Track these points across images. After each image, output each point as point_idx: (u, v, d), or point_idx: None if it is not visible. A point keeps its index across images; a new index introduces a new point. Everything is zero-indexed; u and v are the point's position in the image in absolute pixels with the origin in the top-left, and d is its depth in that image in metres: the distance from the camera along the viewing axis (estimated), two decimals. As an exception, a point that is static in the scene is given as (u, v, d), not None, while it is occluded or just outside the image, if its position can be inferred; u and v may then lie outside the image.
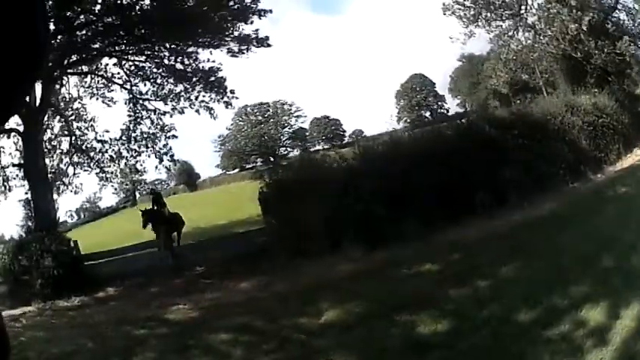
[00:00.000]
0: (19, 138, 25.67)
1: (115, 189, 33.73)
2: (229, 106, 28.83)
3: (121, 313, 16.95)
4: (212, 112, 28.70)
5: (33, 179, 24.86)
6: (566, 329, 8.55)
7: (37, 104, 24.90)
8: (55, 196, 27.37)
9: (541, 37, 29.70)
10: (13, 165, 27.45)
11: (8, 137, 26.99)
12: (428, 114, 63.73)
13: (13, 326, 17.65)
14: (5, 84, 1.16)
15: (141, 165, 30.40)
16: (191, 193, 55.16)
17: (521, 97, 31.33)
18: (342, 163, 19.98)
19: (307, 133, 64.43)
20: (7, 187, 28.11)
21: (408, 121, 61.71)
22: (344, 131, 64.50)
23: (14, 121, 25.39)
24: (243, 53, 26.99)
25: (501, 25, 31.08)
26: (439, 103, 64.56)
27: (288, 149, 62.36)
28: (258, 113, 63.14)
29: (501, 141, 19.05)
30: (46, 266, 20.39)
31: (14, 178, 27.99)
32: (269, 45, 27.00)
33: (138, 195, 48.81)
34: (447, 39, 31.73)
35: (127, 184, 40.49)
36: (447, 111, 63.13)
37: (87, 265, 22.21)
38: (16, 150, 26.87)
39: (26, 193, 26.19)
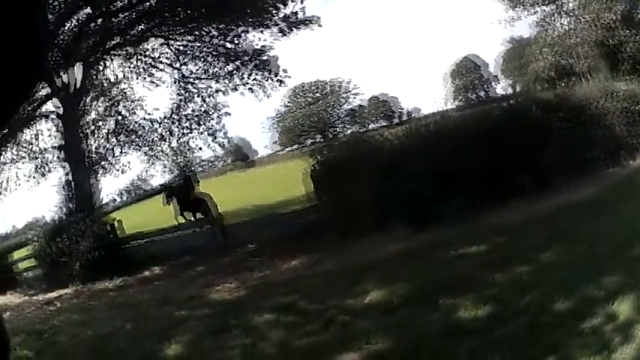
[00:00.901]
0: (59, 121, 25.85)
1: (165, 167, 33.71)
2: (280, 86, 29.23)
3: (164, 293, 17.22)
4: (264, 90, 29.03)
5: (73, 161, 25.14)
6: (597, 322, 8.47)
7: (76, 87, 25.12)
8: (99, 176, 27.89)
9: (579, 23, 29.68)
10: (53, 147, 27.63)
11: (39, 120, 27.24)
12: (477, 95, 63.21)
13: (46, 310, 18.21)
14: (5, 86, 1.18)
15: (187, 144, 31.01)
16: (244, 172, 55.02)
17: (565, 81, 31.16)
18: (391, 143, 20.04)
19: (364, 111, 63.99)
20: (46, 169, 28.36)
21: (459, 101, 61.33)
22: (400, 110, 64.12)
23: (52, 105, 25.76)
24: (286, 34, 27.31)
25: (542, 10, 31.07)
26: (489, 84, 64.03)
27: (344, 128, 62.08)
28: (314, 91, 62.91)
29: (545, 124, 18.93)
30: (86, 248, 20.52)
31: (52, 162, 28.22)
32: (309, 25, 27.27)
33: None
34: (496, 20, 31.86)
35: (178, 163, 40.54)
36: (487, 94, 62.58)
37: (132, 245, 22.38)
38: (56, 132, 27.09)
39: (67, 174, 26.34)
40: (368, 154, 19.08)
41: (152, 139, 30.31)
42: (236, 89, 28.90)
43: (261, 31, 27.64)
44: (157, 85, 29.70)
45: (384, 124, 58.84)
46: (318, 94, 62.81)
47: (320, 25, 27.42)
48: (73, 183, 25.58)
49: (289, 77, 29.09)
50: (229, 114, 30.10)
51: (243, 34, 28.01)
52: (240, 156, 58.59)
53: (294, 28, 27.21)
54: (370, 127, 60.39)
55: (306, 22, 27.10)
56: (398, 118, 60.94)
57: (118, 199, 41.02)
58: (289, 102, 61.81)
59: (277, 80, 28.63)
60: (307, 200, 20.82)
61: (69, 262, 20.78)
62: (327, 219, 18.84)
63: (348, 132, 58.63)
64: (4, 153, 28.11)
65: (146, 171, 32.50)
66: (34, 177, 28.55)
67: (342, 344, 10.17)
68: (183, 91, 29.63)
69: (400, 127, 27.57)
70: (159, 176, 35.56)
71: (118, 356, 12.32)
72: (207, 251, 21.26)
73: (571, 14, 30.20)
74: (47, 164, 28.62)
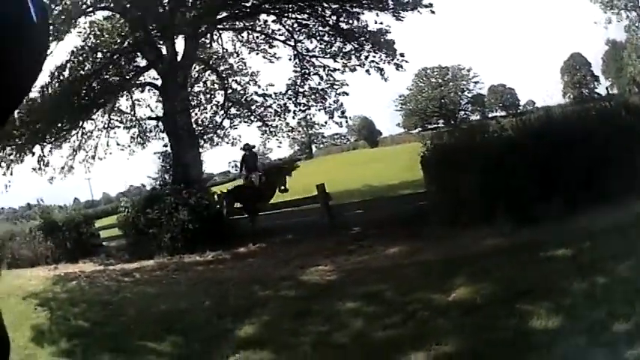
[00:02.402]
0: (161, 91, 26.21)
1: (281, 142, 33.89)
2: (400, 69, 28.48)
3: (255, 270, 17.26)
4: (382, 72, 28.46)
5: (174, 132, 25.42)
6: (635, 353, 8.18)
7: (182, 58, 25.55)
8: (204, 148, 28.91)
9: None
10: (150, 118, 28.54)
11: (142, 91, 28.19)
12: (589, 92, 62.40)
13: (121, 280, 18.41)
14: (5, 83, 1.14)
15: (308, 121, 31.99)
16: (370, 149, 55.11)
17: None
18: (501, 134, 19.46)
19: (483, 100, 63.57)
20: (145, 138, 28.95)
21: (571, 97, 60.73)
22: (518, 100, 63.65)
23: (151, 76, 26.21)
24: (399, 18, 26.97)
25: (629, 15, 31.03)
26: (595, 83, 63.14)
27: (467, 113, 61.82)
28: (437, 76, 62.60)
29: (634, 128, 18.65)
30: (180, 219, 20.67)
31: (151, 131, 29.04)
32: (420, 8, 26.55)
33: (314, 148, 49.64)
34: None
35: (302, 137, 40.85)
36: (594, 92, 61.84)
37: (234, 220, 22.41)
38: (158, 102, 27.58)
39: (165, 146, 27.01)
40: (478, 143, 18.72)
41: (266, 114, 30.55)
42: (357, 69, 28.69)
43: (377, 14, 27.34)
44: (271, 62, 30.00)
45: (502, 114, 58.48)
46: (440, 80, 62.56)
47: (432, 12, 26.65)
48: (173, 153, 25.94)
49: (406, 62, 28.43)
50: (347, 94, 29.87)
51: (357, 15, 27.73)
52: (365, 135, 58.73)
53: (405, 11, 26.82)
54: (489, 116, 60.07)
55: (417, 5, 26.65)
56: (514, 109, 60.47)
57: (232, 171, 41.55)
58: (412, 85, 61.64)
59: (394, 64, 28.31)
60: (422, 185, 20.59)
61: (158, 233, 21.01)
62: (434, 206, 18.59)
63: (469, 119, 58.44)
64: (96, 120, 28.99)
65: (263, 145, 32.81)
66: (131, 145, 29.55)
67: (413, 342, 10.08)
68: (300, 68, 29.60)
69: (513, 119, 27.38)
70: (281, 151, 35.88)
71: (184, 333, 12.51)
72: (312, 231, 20.65)
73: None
74: (146, 133, 29.57)
